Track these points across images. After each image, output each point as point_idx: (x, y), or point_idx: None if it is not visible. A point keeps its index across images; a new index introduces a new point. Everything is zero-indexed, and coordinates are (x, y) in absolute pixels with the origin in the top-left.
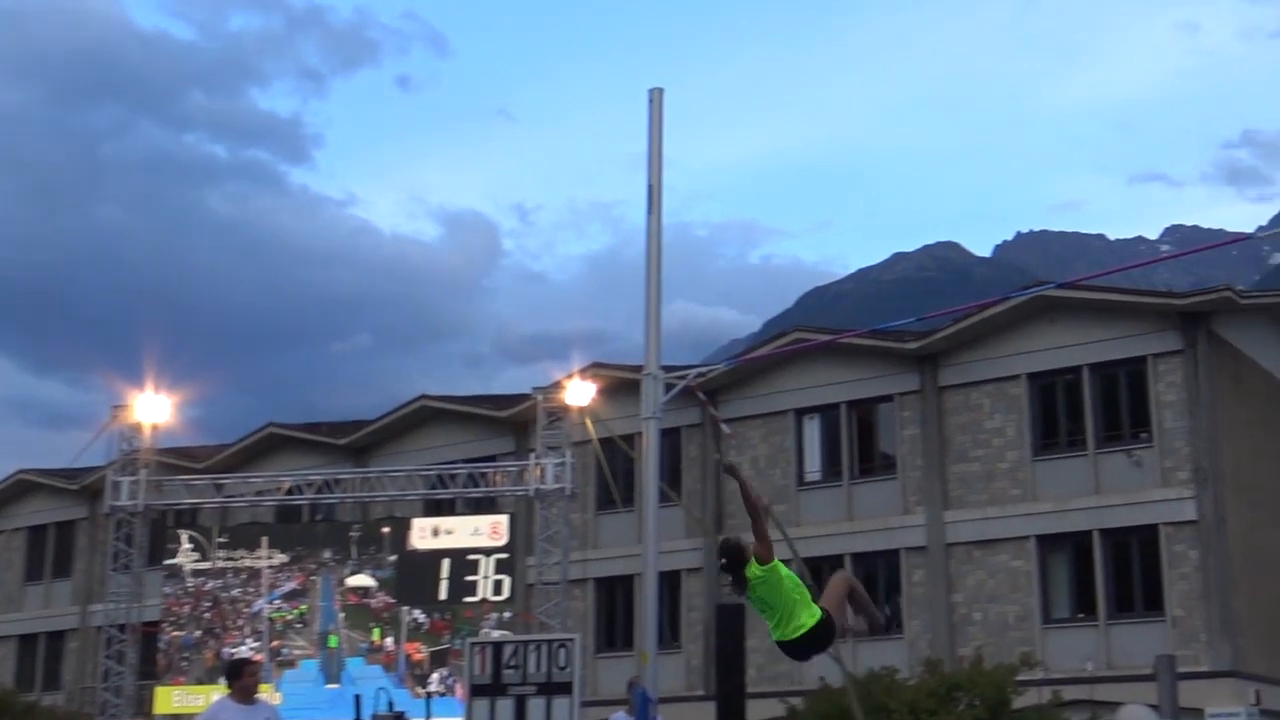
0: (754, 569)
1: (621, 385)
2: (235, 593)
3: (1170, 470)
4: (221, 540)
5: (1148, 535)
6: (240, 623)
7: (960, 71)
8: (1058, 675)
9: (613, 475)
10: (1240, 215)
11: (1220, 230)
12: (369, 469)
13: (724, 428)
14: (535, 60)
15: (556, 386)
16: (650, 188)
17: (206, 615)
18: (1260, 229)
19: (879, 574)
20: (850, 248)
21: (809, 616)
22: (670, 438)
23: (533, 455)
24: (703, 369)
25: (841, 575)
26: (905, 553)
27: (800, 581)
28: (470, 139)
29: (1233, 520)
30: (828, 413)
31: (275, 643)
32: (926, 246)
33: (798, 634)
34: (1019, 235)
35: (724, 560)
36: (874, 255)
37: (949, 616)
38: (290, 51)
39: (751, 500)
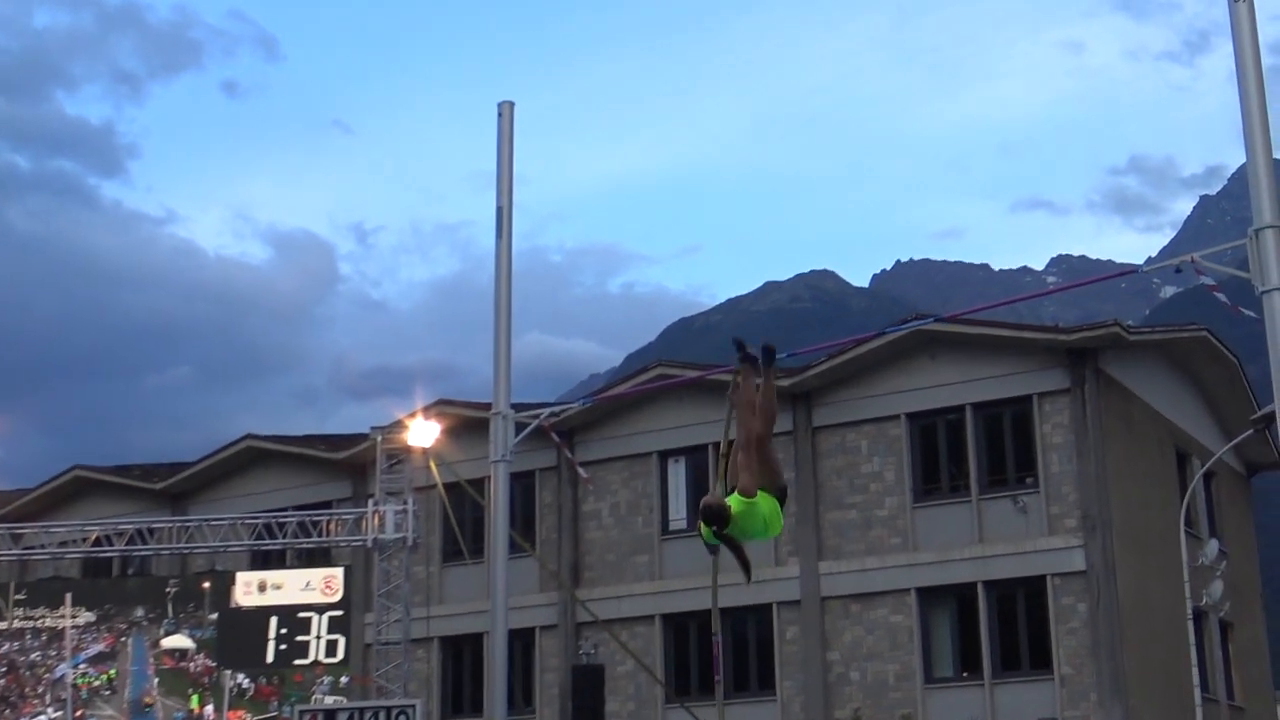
0: (737, 502)
1: (469, 425)
2: (34, 656)
3: (1057, 517)
4: (19, 598)
5: (1034, 587)
6: (40, 690)
7: (834, 88)
8: None
9: (459, 524)
10: (1129, 246)
11: (1108, 262)
12: (188, 517)
13: (581, 472)
14: (375, 67)
15: (398, 426)
16: (500, 209)
17: (1, 682)
18: (1150, 261)
19: (749, 631)
20: (719, 276)
21: (776, 527)
22: (522, 482)
23: (371, 501)
24: (557, 407)
25: (741, 454)
26: (778, 607)
27: (778, 507)
28: (304, 152)
29: (1123, 571)
30: (694, 455)
31: (80, 712)
32: (800, 275)
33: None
34: (898, 264)
35: (709, 522)
36: (744, 284)
37: (824, 676)
38: (103, 52)
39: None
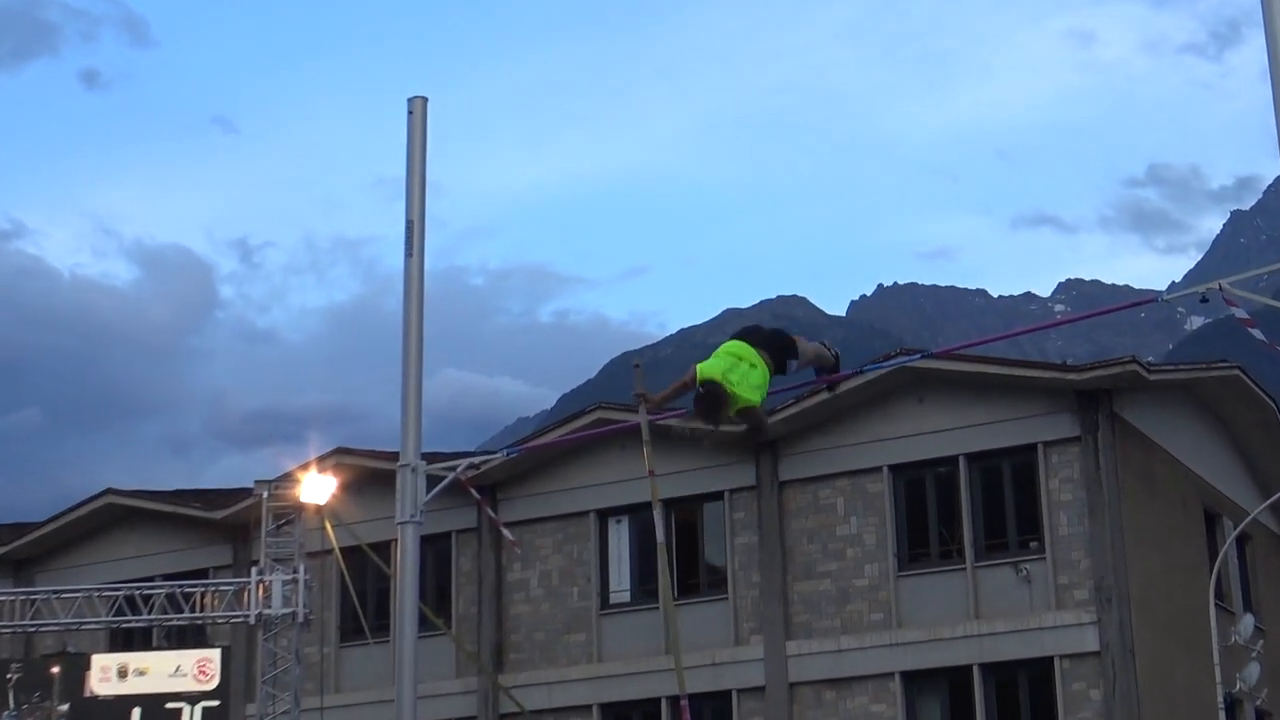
0: (717, 365)
1: (372, 478)
2: None
3: (1066, 588)
4: None
5: (1040, 670)
6: None
7: (803, 84)
8: None
9: (360, 596)
10: (1149, 269)
11: (1125, 288)
12: (34, 589)
13: (506, 534)
14: (264, 56)
15: (288, 479)
16: (410, 222)
17: None
18: (1173, 287)
19: None
20: (670, 303)
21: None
22: (436, 547)
23: (255, 570)
24: (478, 458)
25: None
26: (738, 695)
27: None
28: (178, 155)
29: (1142, 651)
30: (640, 514)
31: None
32: (766, 302)
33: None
34: (880, 290)
35: (711, 413)
36: (700, 312)
37: None
38: None
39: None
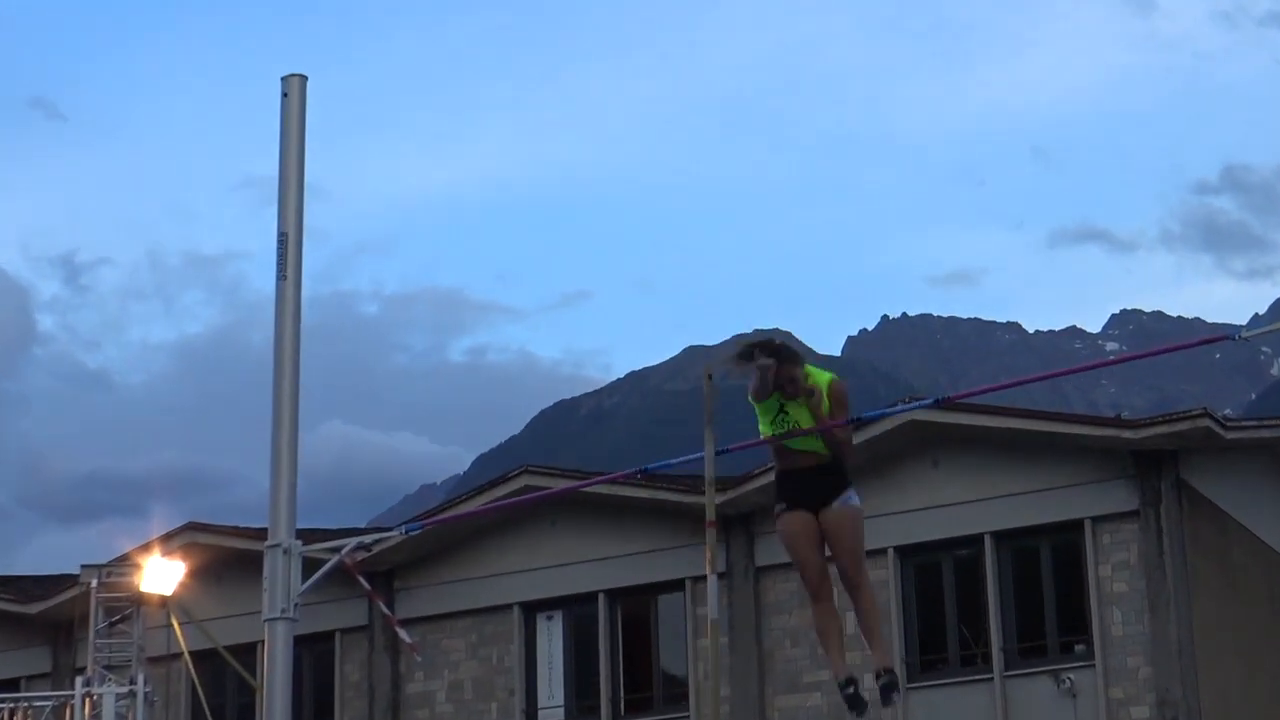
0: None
1: (234, 562)
2: None
3: (1122, 704)
4: None
5: None
6: None
7: (785, 65)
8: None
9: (217, 714)
10: (1224, 298)
11: (1195, 321)
12: None
13: (404, 635)
14: (98, 30)
15: (124, 564)
16: (285, 235)
17: None
18: (1256, 321)
19: None
20: (616, 339)
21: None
22: (316, 650)
23: (80, 680)
24: (370, 536)
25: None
26: None
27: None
28: None
29: None
30: (578, 608)
31: None
32: (738, 338)
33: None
34: (885, 323)
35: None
36: (656, 351)
37: None
38: None
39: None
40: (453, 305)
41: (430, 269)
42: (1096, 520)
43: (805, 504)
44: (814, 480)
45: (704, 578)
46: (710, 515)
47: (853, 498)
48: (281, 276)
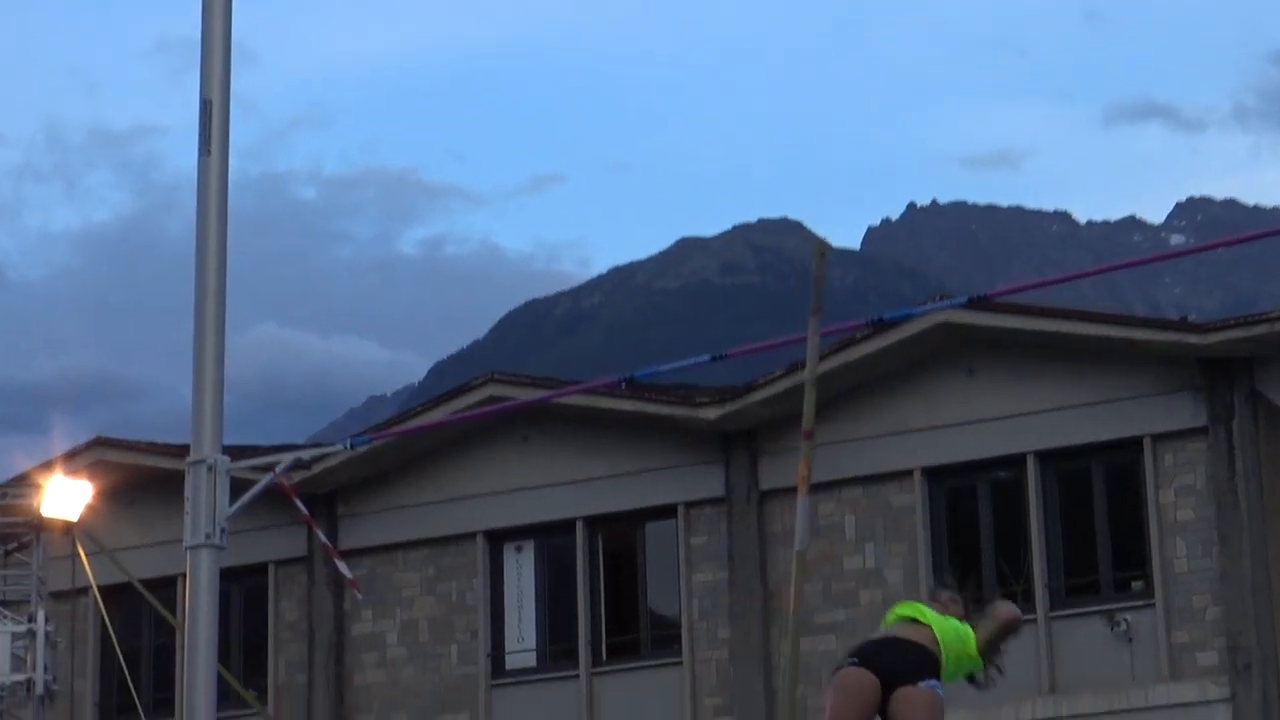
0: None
1: (150, 483)
2: None
3: (1186, 649)
4: None
5: None
6: None
7: None
8: None
9: (131, 658)
10: None
11: (1274, 210)
12: None
13: (343, 569)
14: None
15: (21, 485)
16: (208, 104)
17: None
18: None
19: None
20: (595, 229)
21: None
22: (247, 585)
23: None
24: (309, 451)
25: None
26: None
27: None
28: None
29: None
30: (552, 537)
31: None
32: (741, 229)
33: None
34: (911, 212)
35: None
36: (641, 244)
37: None
38: None
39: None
40: (403, 189)
41: (377, 147)
42: (1158, 438)
43: (881, 670)
44: (905, 650)
45: (700, 503)
46: (807, 424)
47: (938, 686)
48: (205, 152)
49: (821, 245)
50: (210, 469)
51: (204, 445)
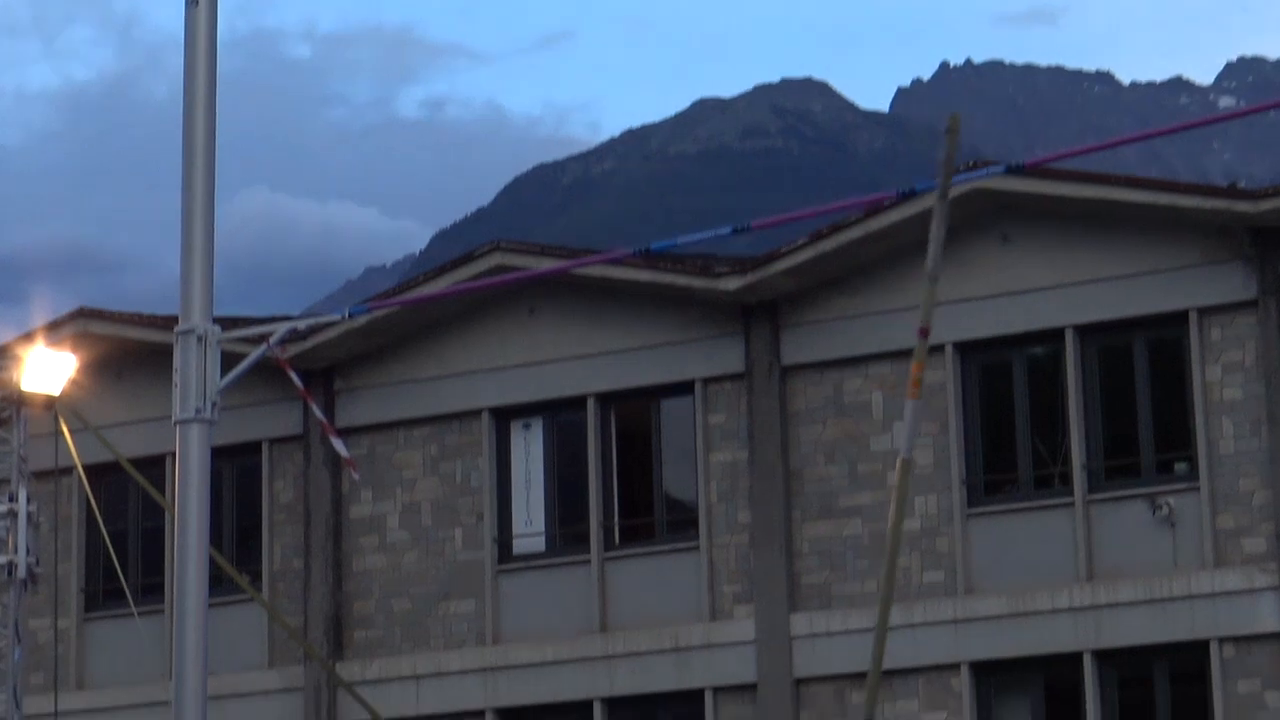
0: None
1: (137, 356)
2: None
3: (1232, 535)
4: None
5: (1188, 662)
6: None
7: None
8: None
9: (118, 540)
10: None
11: None
12: None
13: (339, 446)
14: None
15: (1, 357)
16: None
17: None
18: None
19: None
20: (607, 89)
21: None
22: (240, 465)
23: None
24: (304, 320)
25: None
26: (715, 697)
27: None
28: None
29: None
30: (562, 415)
31: None
32: (764, 90)
33: None
34: (944, 72)
35: None
36: (657, 105)
37: None
38: None
39: None
40: (402, 47)
41: (374, 1)
42: (1204, 312)
43: None
44: None
45: (718, 379)
46: (925, 319)
47: None
48: (191, 3)
49: (954, 119)
50: (200, 339)
51: (193, 314)
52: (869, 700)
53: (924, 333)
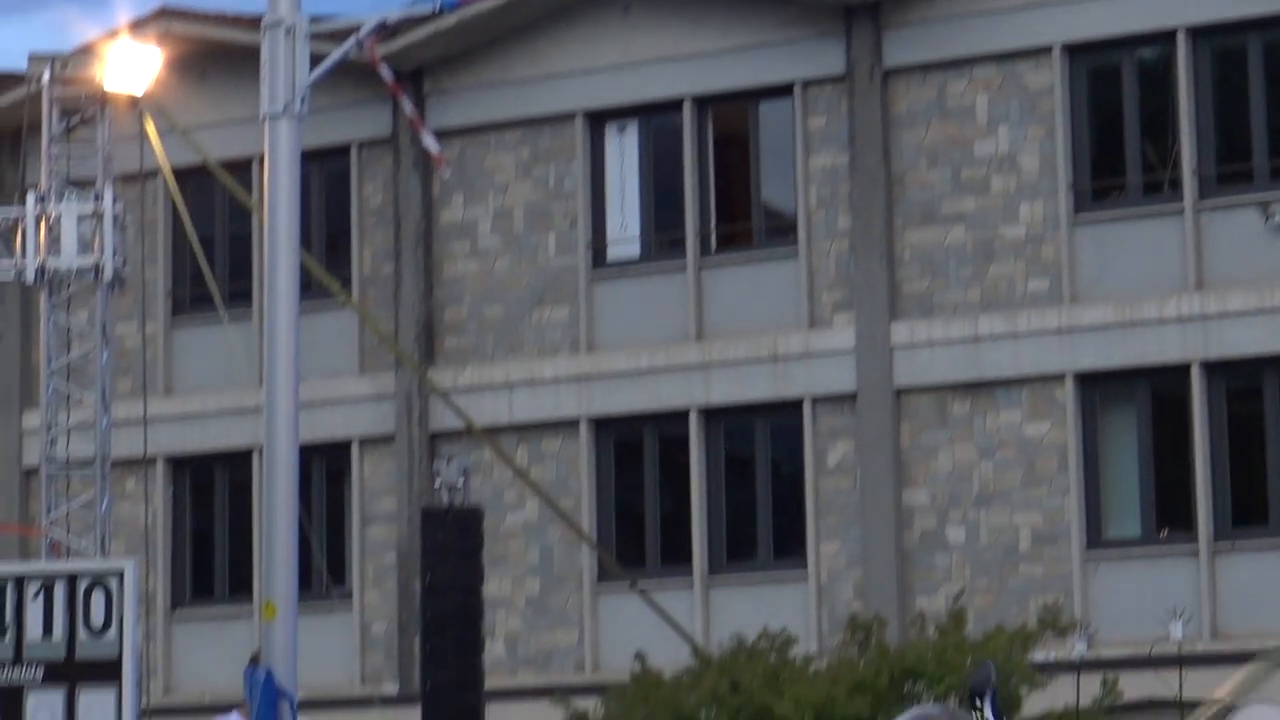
0: None
1: (223, 56)
2: None
3: None
4: None
5: None
6: None
7: None
8: (1115, 649)
9: (206, 244)
10: None
11: None
12: None
13: (429, 142)
14: None
15: (83, 56)
16: None
17: None
18: None
19: (754, 456)
20: None
21: None
22: (329, 168)
23: (32, 197)
24: (395, 14)
25: None
26: (814, 406)
27: None
28: None
29: None
30: (658, 118)
31: None
32: None
33: None
34: None
35: None
36: None
37: (898, 530)
38: None
39: None
40: None
41: None
42: None
43: None
44: None
45: (818, 81)
46: None
47: None
48: None
49: None
50: (289, 32)
51: (281, 7)
52: None
53: None
